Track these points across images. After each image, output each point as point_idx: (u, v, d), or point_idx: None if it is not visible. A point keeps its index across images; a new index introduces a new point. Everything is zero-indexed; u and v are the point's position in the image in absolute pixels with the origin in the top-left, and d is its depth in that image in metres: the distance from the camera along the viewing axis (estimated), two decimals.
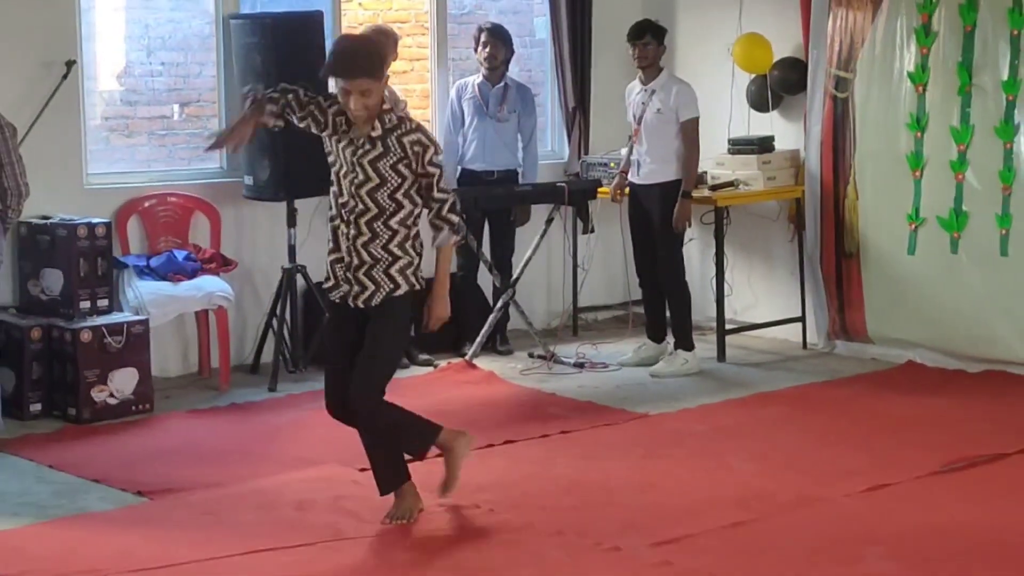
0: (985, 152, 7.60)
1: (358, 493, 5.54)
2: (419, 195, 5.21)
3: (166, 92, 7.95)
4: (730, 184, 8.24)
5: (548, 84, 9.29)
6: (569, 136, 9.05)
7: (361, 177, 5.14)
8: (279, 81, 7.23)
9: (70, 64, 7.23)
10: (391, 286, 5.19)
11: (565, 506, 5.53)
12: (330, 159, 5.26)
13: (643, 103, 7.88)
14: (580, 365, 8.03)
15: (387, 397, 5.28)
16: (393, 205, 5.17)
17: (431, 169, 5.19)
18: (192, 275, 7.42)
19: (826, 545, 5.06)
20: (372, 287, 5.20)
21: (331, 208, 5.27)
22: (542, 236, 8.37)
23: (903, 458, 6.12)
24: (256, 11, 8.08)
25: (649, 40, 7.82)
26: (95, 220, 7.07)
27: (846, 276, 8.25)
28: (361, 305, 5.22)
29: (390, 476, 5.32)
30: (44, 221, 7.03)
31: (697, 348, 8.02)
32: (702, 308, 8.51)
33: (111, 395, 6.89)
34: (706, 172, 8.31)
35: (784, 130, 8.54)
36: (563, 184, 8.38)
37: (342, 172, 5.19)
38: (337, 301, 5.30)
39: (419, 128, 5.21)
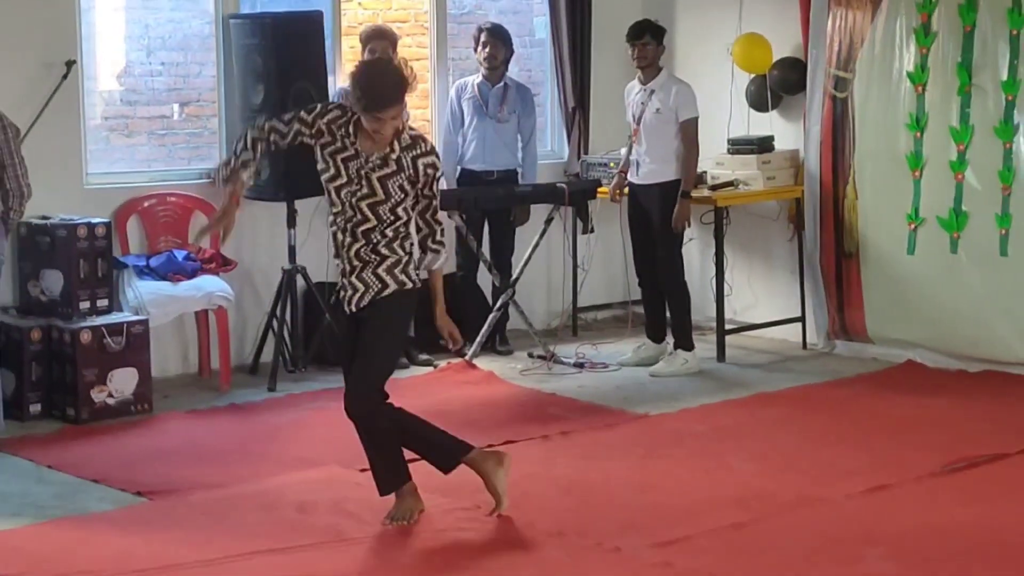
0: (985, 152, 7.60)
1: (359, 494, 5.53)
2: (413, 208, 5.22)
3: (166, 92, 7.95)
4: (730, 184, 8.24)
5: (548, 84, 9.29)
6: (569, 136, 9.05)
7: (366, 191, 5.13)
8: (279, 81, 7.36)
9: (70, 64, 7.23)
10: (379, 286, 5.20)
11: (565, 506, 5.53)
12: (321, 168, 5.21)
13: (642, 103, 7.88)
14: (580, 365, 8.04)
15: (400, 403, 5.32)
16: (392, 217, 5.18)
17: (436, 191, 5.24)
18: (192, 275, 7.42)
19: (826, 545, 5.06)
20: (362, 288, 5.22)
21: (329, 214, 5.28)
22: (542, 236, 8.37)
23: (903, 458, 6.12)
24: (256, 11, 8.08)
25: (648, 40, 7.83)
26: (95, 220, 7.07)
27: (846, 276, 8.26)
28: (355, 308, 5.24)
29: (390, 477, 5.31)
30: (44, 221, 7.03)
31: (697, 348, 8.03)
32: (702, 308, 8.52)
33: (110, 395, 6.89)
34: (706, 172, 8.31)
35: (784, 130, 8.54)
36: (563, 184, 8.39)
37: (339, 183, 5.16)
38: (336, 303, 5.32)
39: (433, 150, 5.22)
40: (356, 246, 5.19)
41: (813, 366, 8.07)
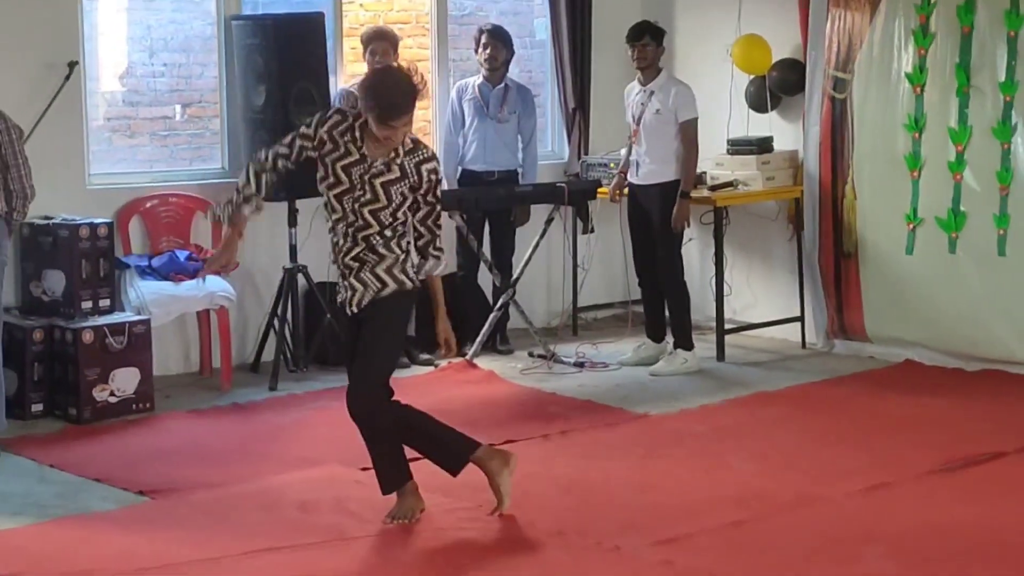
0: (983, 153, 7.61)
1: (360, 493, 5.54)
2: (412, 212, 5.23)
3: (168, 93, 7.96)
4: (729, 184, 8.26)
5: (548, 85, 9.31)
6: (569, 137, 9.06)
7: (369, 196, 5.14)
8: (280, 82, 7.37)
9: (72, 65, 7.24)
10: (378, 286, 5.21)
11: (565, 505, 5.54)
12: (320, 176, 5.21)
13: (642, 104, 7.89)
14: (580, 364, 8.04)
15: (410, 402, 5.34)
16: (391, 220, 5.19)
17: (436, 201, 5.24)
18: (194, 275, 7.40)
19: (825, 544, 5.07)
20: (362, 289, 5.22)
21: (328, 219, 5.28)
22: (542, 236, 8.38)
23: (902, 457, 6.13)
24: (257, 12, 8.09)
25: (648, 41, 7.84)
26: (97, 220, 7.07)
27: (844, 276, 8.27)
28: (356, 309, 5.25)
29: (392, 476, 5.32)
30: (46, 222, 7.04)
31: (697, 347, 8.03)
32: (702, 308, 8.53)
33: (112, 395, 6.90)
34: (705, 172, 8.32)
35: (783, 131, 8.56)
36: (563, 184, 8.40)
37: (340, 190, 5.16)
38: (341, 305, 5.34)
39: (434, 155, 5.24)
40: (356, 249, 5.21)
41: (812, 365, 8.08)
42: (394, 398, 5.33)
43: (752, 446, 6.38)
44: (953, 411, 6.95)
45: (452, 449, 5.39)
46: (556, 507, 5.52)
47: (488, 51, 8.24)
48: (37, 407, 6.90)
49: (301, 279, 7.75)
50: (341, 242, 5.22)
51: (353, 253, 5.21)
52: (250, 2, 8.09)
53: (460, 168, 8.40)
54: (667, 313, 8.11)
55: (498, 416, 6.92)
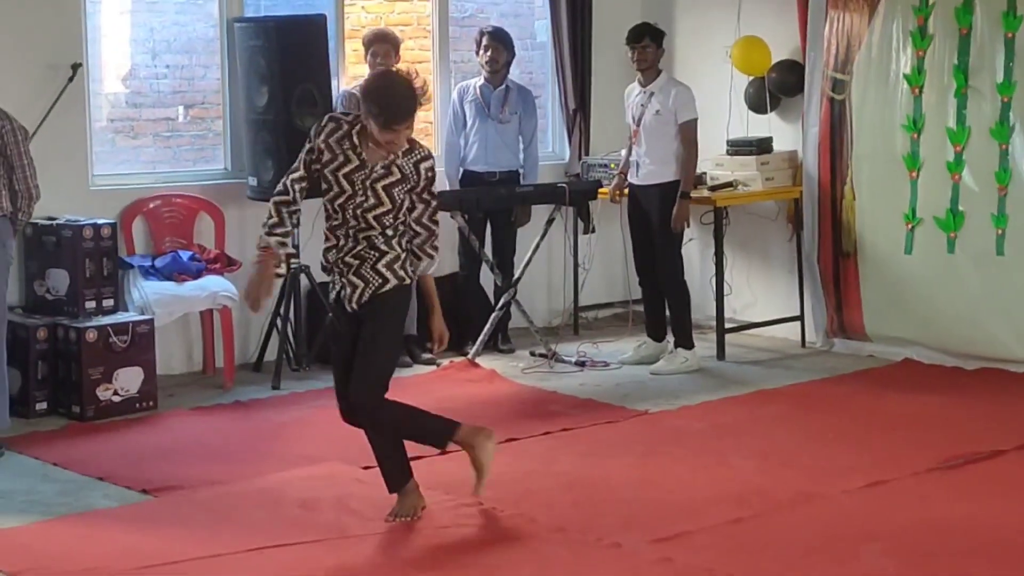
0: (981, 153, 7.64)
1: (362, 491, 5.56)
2: (409, 211, 5.24)
3: (171, 94, 7.97)
4: (729, 185, 8.28)
5: (549, 86, 9.33)
6: (570, 137, 9.09)
7: (372, 201, 5.15)
8: (283, 84, 7.38)
9: (76, 67, 7.27)
10: (379, 281, 5.21)
11: (567, 503, 5.55)
12: (324, 188, 5.21)
13: (642, 105, 7.91)
14: (581, 363, 8.06)
15: (391, 395, 5.33)
16: (392, 221, 5.21)
17: (432, 197, 5.26)
18: (196, 275, 7.46)
19: (825, 542, 5.07)
20: (362, 285, 5.22)
21: (327, 221, 5.28)
22: (543, 236, 8.40)
23: (900, 455, 6.14)
24: (260, 14, 8.11)
25: (648, 43, 7.86)
26: (100, 221, 7.10)
27: (844, 275, 8.29)
28: (355, 306, 5.25)
29: (397, 474, 5.34)
30: (50, 222, 7.06)
31: (697, 346, 8.05)
32: (702, 307, 8.55)
33: (116, 393, 6.92)
34: (705, 173, 8.34)
35: (782, 131, 8.58)
36: (564, 185, 8.42)
37: (343, 198, 5.16)
38: (333, 302, 5.35)
39: (431, 154, 5.25)
40: (357, 248, 5.22)
41: (811, 364, 8.10)
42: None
43: (752, 444, 6.39)
44: (951, 410, 6.96)
45: (437, 430, 5.42)
46: (557, 504, 5.53)
47: (489, 53, 8.26)
48: (41, 405, 6.92)
49: (303, 279, 7.78)
50: (341, 242, 5.23)
51: (355, 251, 5.22)
52: (252, 4, 8.11)
53: (462, 169, 8.42)
54: (667, 312, 8.13)
55: (500, 415, 6.92)
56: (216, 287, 7.47)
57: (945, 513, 5.37)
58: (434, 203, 5.28)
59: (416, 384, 7.50)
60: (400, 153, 5.16)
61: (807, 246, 8.44)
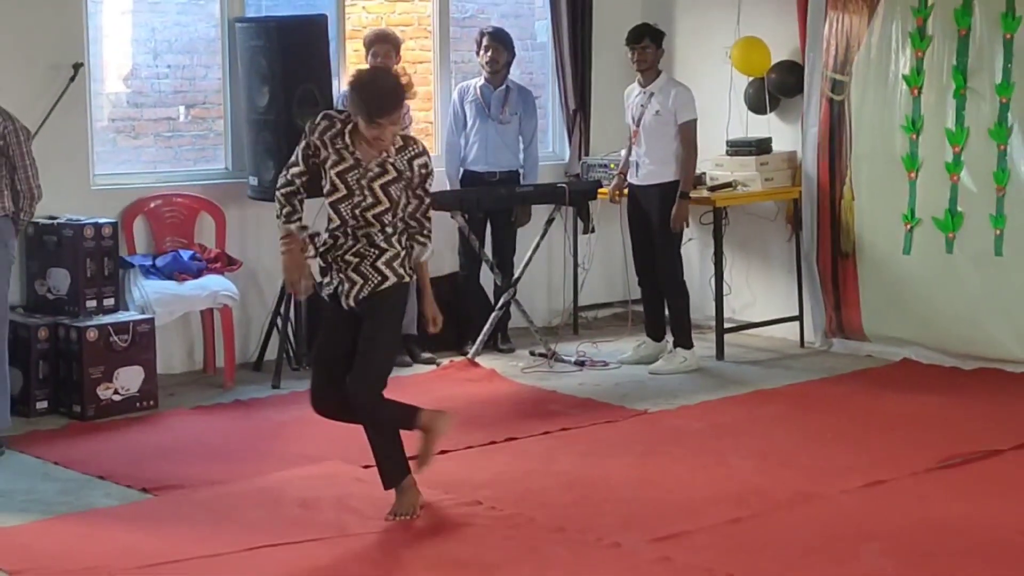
0: (979, 154, 7.65)
1: (361, 490, 5.57)
2: (403, 209, 5.28)
3: (172, 94, 7.99)
4: (728, 185, 8.29)
5: (549, 87, 9.34)
6: (570, 138, 9.10)
7: (370, 200, 5.18)
8: (284, 84, 7.39)
9: (77, 67, 7.28)
10: (379, 279, 5.24)
11: (566, 502, 5.56)
12: (323, 184, 5.25)
13: (642, 105, 7.93)
14: (580, 363, 8.08)
15: (388, 395, 5.34)
16: (391, 219, 5.24)
17: (429, 189, 5.29)
18: (197, 274, 7.47)
19: (823, 541, 5.09)
20: (361, 282, 5.25)
21: (328, 222, 5.30)
22: (543, 236, 8.41)
23: (898, 455, 6.15)
24: (261, 15, 8.12)
25: (647, 44, 7.87)
26: (101, 220, 7.12)
27: (842, 275, 8.31)
28: (353, 303, 5.27)
29: (394, 470, 5.35)
30: (51, 221, 7.07)
31: (696, 346, 8.06)
32: (701, 307, 8.57)
33: (116, 392, 6.94)
34: (705, 173, 8.36)
35: (781, 132, 8.59)
36: (564, 185, 8.43)
37: (338, 196, 5.20)
38: (328, 298, 5.36)
39: (425, 150, 5.28)
40: (356, 246, 5.24)
41: (810, 364, 8.11)
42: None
43: (751, 444, 6.40)
44: (950, 409, 6.97)
45: (406, 416, 5.41)
46: (557, 503, 5.54)
47: (489, 53, 8.28)
48: (42, 404, 6.93)
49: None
50: (340, 240, 5.26)
51: (354, 249, 5.24)
52: (254, 4, 8.11)
53: (462, 169, 8.44)
54: (667, 312, 8.14)
55: (499, 414, 6.96)
56: (217, 286, 7.48)
57: (943, 513, 5.39)
58: (428, 200, 5.31)
59: (416, 383, 7.51)
60: (394, 151, 5.19)
61: (806, 246, 8.45)
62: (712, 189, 8.26)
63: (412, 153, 5.23)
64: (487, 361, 8.10)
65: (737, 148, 8.46)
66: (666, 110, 7.84)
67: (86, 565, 4.86)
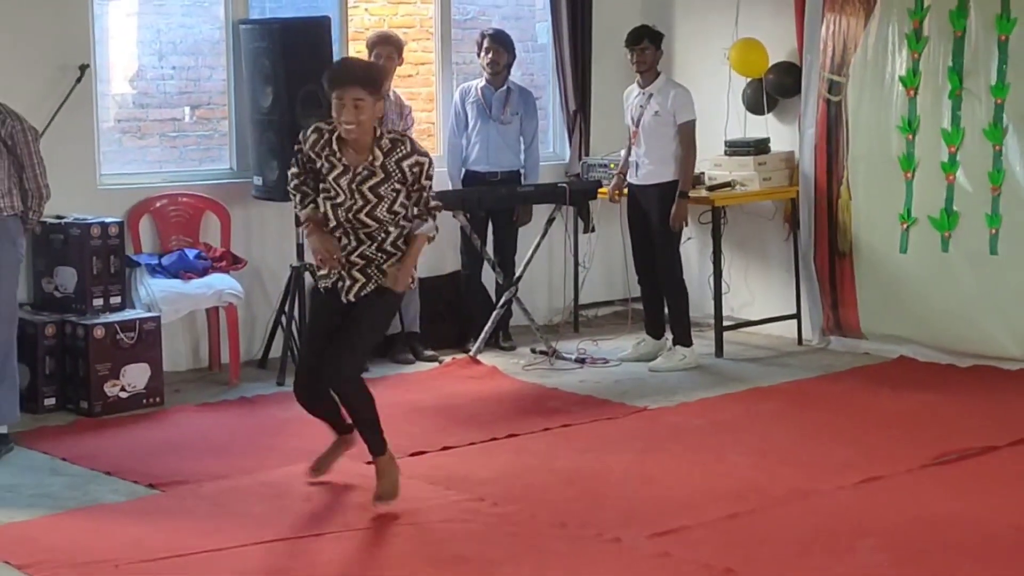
0: (975, 154, 7.67)
1: (364, 485, 5.57)
2: (408, 200, 5.34)
3: (177, 95, 8.00)
4: (727, 185, 8.32)
5: (549, 88, 9.36)
6: (570, 138, 9.13)
7: (360, 203, 5.25)
8: (287, 85, 7.40)
9: (84, 68, 7.30)
10: (383, 279, 5.35)
11: (567, 498, 5.58)
12: (322, 187, 5.33)
13: (641, 106, 7.95)
14: (581, 360, 8.10)
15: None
16: (391, 215, 5.29)
17: (426, 183, 5.33)
18: (203, 273, 7.49)
19: (820, 537, 5.09)
20: (363, 280, 5.33)
21: (326, 224, 5.37)
22: (544, 235, 8.43)
23: (895, 451, 6.16)
24: (265, 16, 8.13)
25: (647, 45, 7.89)
26: (108, 219, 7.15)
27: (840, 274, 8.33)
28: (352, 299, 5.35)
29: (378, 439, 5.44)
30: (58, 220, 7.09)
31: (695, 344, 8.08)
32: (700, 305, 8.60)
33: (123, 389, 6.96)
34: (703, 173, 8.38)
35: (779, 132, 8.62)
36: (564, 185, 8.45)
37: (336, 202, 5.27)
38: (324, 290, 5.42)
39: (415, 149, 5.30)
40: (361, 248, 5.31)
41: (808, 361, 8.12)
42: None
43: (749, 440, 6.41)
44: (946, 406, 6.99)
45: (378, 437, 5.49)
46: (558, 499, 5.56)
47: (490, 55, 8.31)
48: (49, 401, 6.95)
49: (308, 277, 7.82)
50: (343, 241, 5.33)
51: (359, 251, 5.31)
52: (258, 6, 8.12)
53: (464, 169, 8.47)
54: (666, 310, 8.16)
55: (501, 411, 6.98)
56: (222, 285, 7.50)
57: (939, 509, 5.39)
58: (425, 193, 5.34)
59: (418, 381, 7.55)
60: (382, 154, 5.24)
61: (804, 245, 8.47)
62: (711, 189, 8.29)
63: (400, 155, 5.27)
64: (489, 358, 8.13)
65: (735, 148, 8.47)
66: (665, 111, 7.87)
67: (94, 559, 4.87)
